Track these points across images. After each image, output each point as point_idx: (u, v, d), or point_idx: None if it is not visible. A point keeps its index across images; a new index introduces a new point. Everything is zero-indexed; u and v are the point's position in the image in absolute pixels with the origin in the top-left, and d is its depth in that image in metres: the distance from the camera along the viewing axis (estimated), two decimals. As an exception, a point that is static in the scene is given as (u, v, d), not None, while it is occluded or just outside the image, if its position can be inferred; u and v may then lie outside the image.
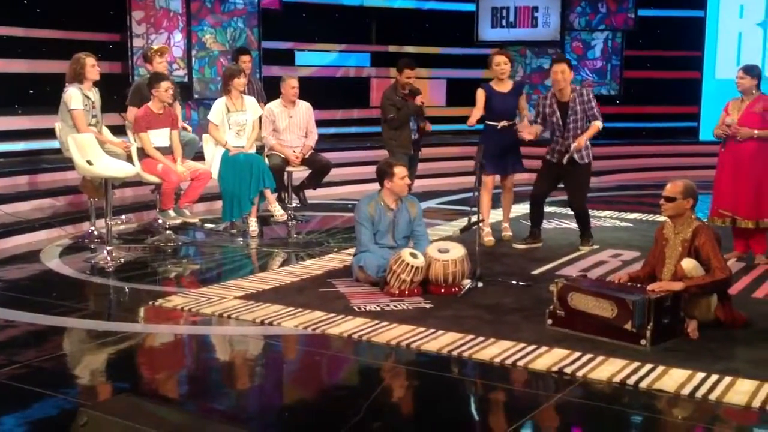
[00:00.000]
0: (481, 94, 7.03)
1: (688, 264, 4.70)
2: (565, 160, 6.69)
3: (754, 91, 6.41)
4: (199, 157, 7.81)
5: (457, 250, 5.62)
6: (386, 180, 5.85)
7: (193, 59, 10.88)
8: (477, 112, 7.01)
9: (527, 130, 6.78)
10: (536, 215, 7.07)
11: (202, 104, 10.84)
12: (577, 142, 6.64)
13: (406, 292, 5.47)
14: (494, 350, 4.45)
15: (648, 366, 4.18)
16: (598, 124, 6.72)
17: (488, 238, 7.07)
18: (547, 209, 7.40)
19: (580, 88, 6.85)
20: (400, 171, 5.83)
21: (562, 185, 6.97)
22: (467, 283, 5.60)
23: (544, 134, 6.97)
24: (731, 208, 6.47)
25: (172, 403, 3.90)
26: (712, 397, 3.85)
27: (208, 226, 7.92)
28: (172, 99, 7.39)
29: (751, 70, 6.48)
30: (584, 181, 6.93)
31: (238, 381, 4.39)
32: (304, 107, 7.93)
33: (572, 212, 7.11)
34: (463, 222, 7.07)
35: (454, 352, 4.45)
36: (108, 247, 6.59)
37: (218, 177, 7.52)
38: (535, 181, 7.05)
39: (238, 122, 7.61)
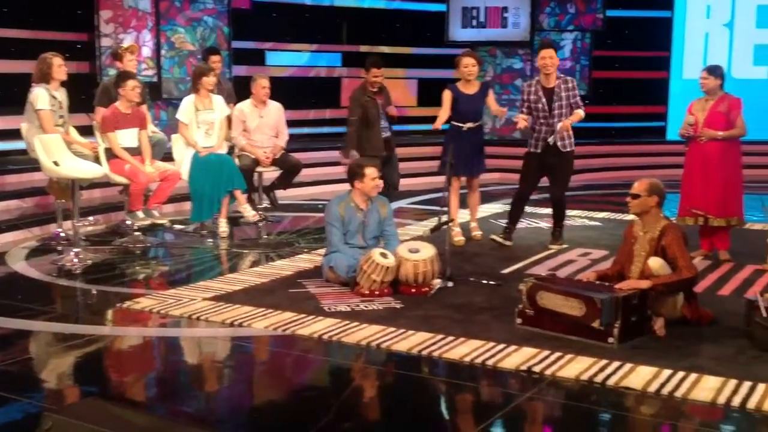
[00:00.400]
0: (447, 96, 7.03)
1: (655, 263, 4.75)
2: (550, 140, 6.73)
3: (718, 91, 6.51)
4: (168, 157, 7.75)
5: (428, 250, 5.63)
6: (356, 181, 5.85)
7: (163, 59, 10.81)
8: (444, 113, 7.02)
9: (520, 119, 6.80)
10: (516, 214, 7.12)
11: (171, 104, 10.76)
12: (562, 123, 6.69)
13: (377, 292, 5.47)
14: (464, 350, 4.46)
15: (615, 364, 4.22)
16: (581, 113, 6.81)
17: (458, 238, 7.09)
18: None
19: (564, 76, 6.91)
20: (370, 172, 5.83)
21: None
22: (437, 282, 5.61)
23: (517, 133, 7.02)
24: (702, 207, 6.54)
25: (140, 406, 3.86)
26: (678, 394, 3.89)
27: (178, 227, 7.86)
28: (141, 99, 7.33)
29: (714, 71, 6.56)
30: (568, 169, 6.99)
31: (208, 383, 4.36)
32: (275, 107, 7.90)
33: (551, 202, 7.11)
34: (433, 222, 7.08)
35: (424, 352, 4.46)
36: (75, 249, 6.53)
37: (188, 178, 7.47)
38: (521, 181, 7.08)
39: (206, 121, 7.57)
